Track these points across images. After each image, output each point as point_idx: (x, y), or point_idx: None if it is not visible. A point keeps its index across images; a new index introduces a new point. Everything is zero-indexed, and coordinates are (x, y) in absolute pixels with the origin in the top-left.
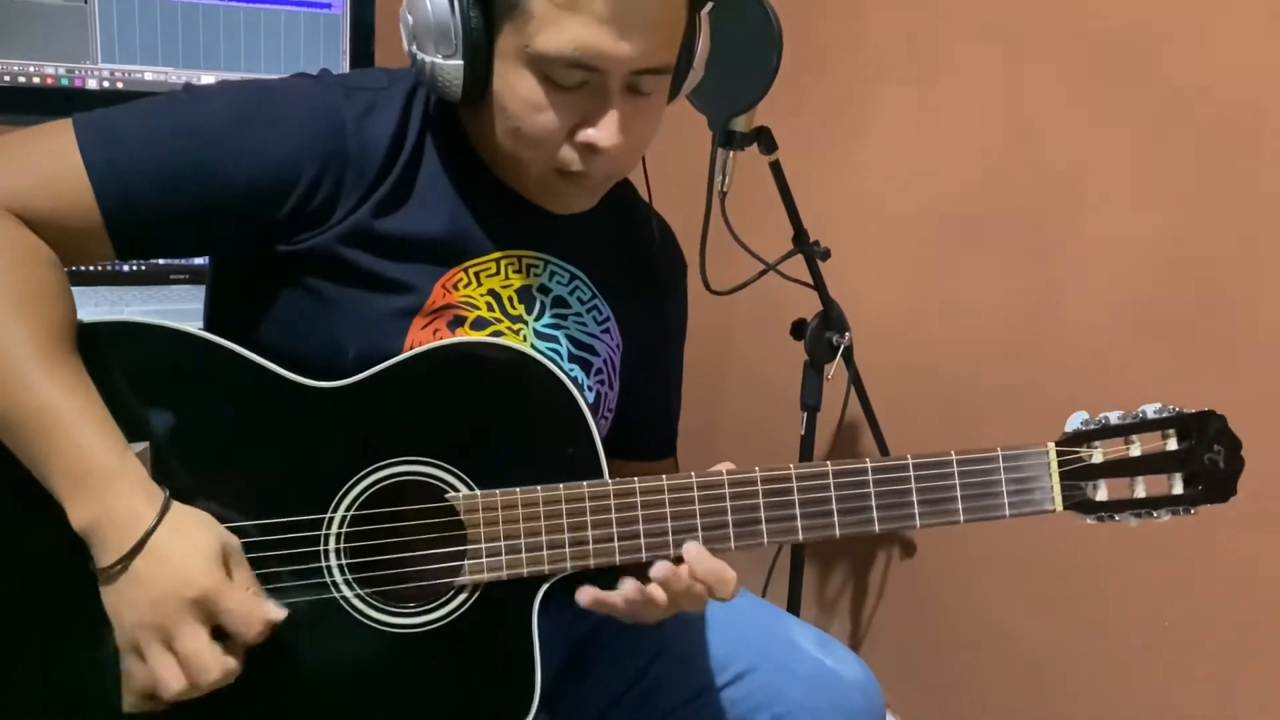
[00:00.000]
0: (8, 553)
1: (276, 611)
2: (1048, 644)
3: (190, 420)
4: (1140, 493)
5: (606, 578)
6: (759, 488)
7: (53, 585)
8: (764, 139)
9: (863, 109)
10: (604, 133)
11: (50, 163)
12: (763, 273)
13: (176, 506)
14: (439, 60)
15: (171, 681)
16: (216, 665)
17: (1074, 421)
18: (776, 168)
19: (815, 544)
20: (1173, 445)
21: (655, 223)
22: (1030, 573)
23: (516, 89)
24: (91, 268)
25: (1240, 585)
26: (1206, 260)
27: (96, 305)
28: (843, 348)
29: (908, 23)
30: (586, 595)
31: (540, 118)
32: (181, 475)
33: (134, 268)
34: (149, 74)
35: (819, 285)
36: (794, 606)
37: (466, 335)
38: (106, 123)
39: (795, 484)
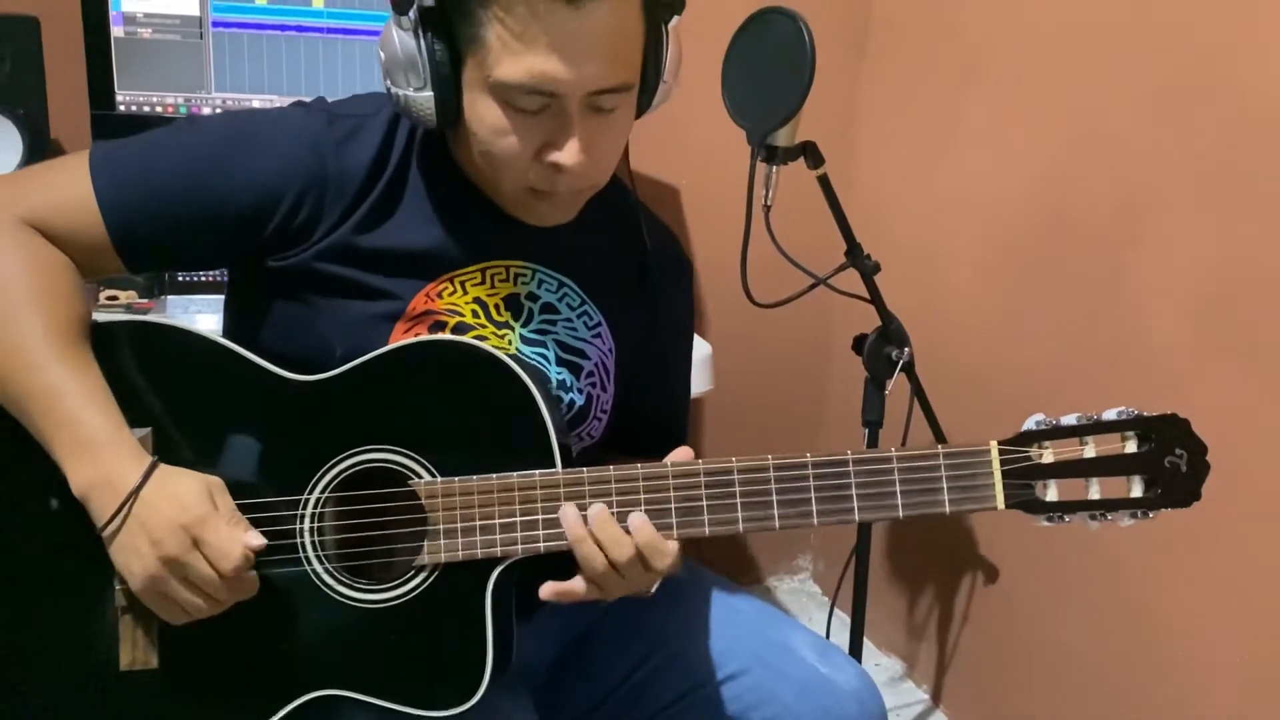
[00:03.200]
0: (28, 521)
1: (255, 539)
2: (1128, 678)
3: (188, 409)
4: (1095, 494)
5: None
6: (701, 479)
7: (65, 551)
8: (810, 153)
9: (945, 118)
10: (567, 153)
11: (67, 189)
12: (812, 286)
13: (163, 466)
14: (411, 92)
15: (201, 605)
16: (212, 581)
17: (1029, 422)
18: (825, 181)
19: (898, 564)
20: (1131, 448)
21: (648, 226)
22: (1115, 606)
23: (483, 116)
24: (204, 277)
25: None
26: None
27: (200, 310)
28: (902, 363)
29: (990, 37)
30: (548, 589)
31: (506, 142)
32: (179, 458)
33: None
34: (255, 100)
35: (876, 300)
36: (858, 620)
37: (437, 335)
38: (115, 152)
39: (736, 476)
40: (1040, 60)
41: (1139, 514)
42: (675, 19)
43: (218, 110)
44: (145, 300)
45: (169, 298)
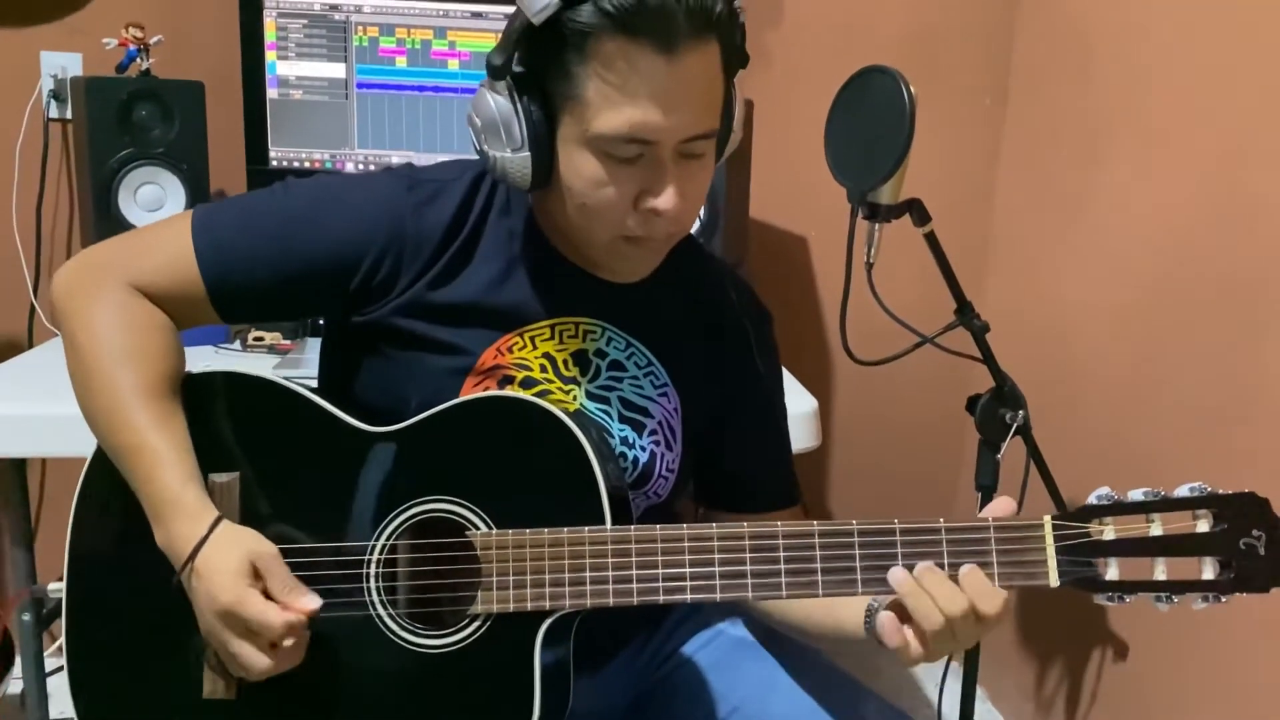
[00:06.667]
0: (143, 554)
1: (310, 602)
2: None
3: (271, 456)
4: (1161, 575)
5: None
6: (746, 543)
7: (167, 585)
8: (916, 211)
9: (1084, 177)
10: (664, 199)
11: (169, 248)
12: (917, 345)
13: (221, 528)
14: (507, 154)
15: (234, 669)
16: (257, 662)
17: (1092, 497)
18: (932, 239)
19: (1029, 633)
20: (1203, 527)
21: (730, 286)
22: (1244, 696)
23: (581, 170)
24: None
25: None
26: None
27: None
28: (1016, 426)
29: (1128, 98)
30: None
31: (605, 192)
32: (261, 502)
33: None
34: (395, 157)
35: (988, 360)
36: (969, 684)
37: (500, 391)
38: (215, 214)
39: (781, 541)
40: (1179, 121)
41: (1211, 598)
42: (739, 73)
43: (360, 166)
44: (288, 341)
45: (308, 340)
